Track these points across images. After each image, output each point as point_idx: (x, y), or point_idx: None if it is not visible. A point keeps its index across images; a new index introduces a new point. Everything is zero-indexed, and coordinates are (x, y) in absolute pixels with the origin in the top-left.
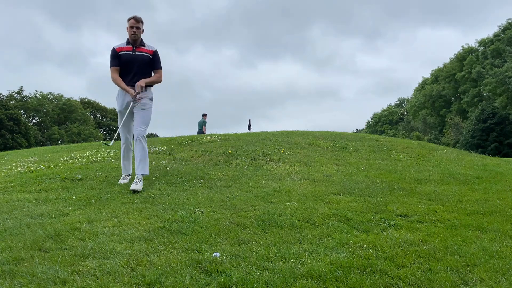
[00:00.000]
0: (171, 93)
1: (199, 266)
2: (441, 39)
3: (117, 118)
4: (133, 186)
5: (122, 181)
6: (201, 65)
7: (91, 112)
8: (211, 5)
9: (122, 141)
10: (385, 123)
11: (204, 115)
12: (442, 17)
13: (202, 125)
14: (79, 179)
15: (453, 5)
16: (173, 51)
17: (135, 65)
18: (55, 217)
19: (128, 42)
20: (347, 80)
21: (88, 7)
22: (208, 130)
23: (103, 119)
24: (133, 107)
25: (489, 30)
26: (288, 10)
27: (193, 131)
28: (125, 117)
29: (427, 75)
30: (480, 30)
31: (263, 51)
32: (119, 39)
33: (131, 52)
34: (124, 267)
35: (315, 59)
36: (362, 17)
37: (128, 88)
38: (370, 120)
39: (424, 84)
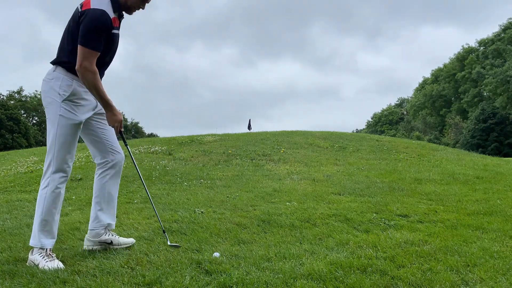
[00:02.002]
0: (170, 93)
1: (199, 266)
2: (443, 38)
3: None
4: (128, 240)
5: (52, 263)
6: (201, 64)
7: None
8: (211, 3)
9: (58, 174)
10: (385, 123)
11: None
12: (444, 15)
13: None
14: (79, 179)
15: (456, 3)
16: (173, 50)
17: (113, 54)
18: None
19: (116, 8)
20: (348, 79)
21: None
22: (207, 130)
23: None
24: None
25: (492, 29)
26: (288, 8)
27: (193, 131)
28: (79, 133)
29: (428, 74)
30: (483, 29)
31: (263, 49)
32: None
33: (118, 31)
34: (124, 267)
35: (315, 58)
36: (363, 15)
37: (117, 111)
38: (370, 120)
39: (424, 84)
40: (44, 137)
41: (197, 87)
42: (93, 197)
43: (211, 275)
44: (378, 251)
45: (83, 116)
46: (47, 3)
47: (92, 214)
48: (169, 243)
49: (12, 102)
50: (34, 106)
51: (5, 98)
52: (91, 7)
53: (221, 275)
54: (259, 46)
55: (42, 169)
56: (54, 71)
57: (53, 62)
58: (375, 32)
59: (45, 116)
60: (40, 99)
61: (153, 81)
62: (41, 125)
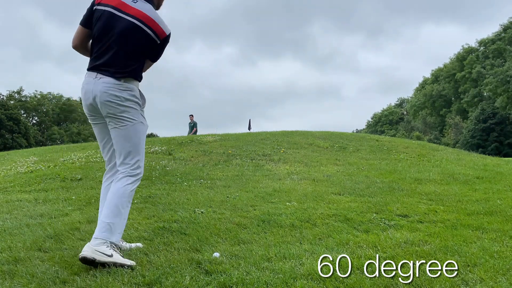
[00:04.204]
0: (170, 92)
1: (199, 266)
2: (445, 36)
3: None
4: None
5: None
6: (201, 64)
7: None
8: (211, 2)
9: (140, 176)
10: (385, 123)
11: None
12: (446, 13)
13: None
14: (79, 179)
15: (458, 0)
16: (172, 49)
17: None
18: (55, 217)
19: None
20: (348, 79)
21: (84, 4)
22: (208, 130)
23: None
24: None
25: (494, 27)
26: (288, 7)
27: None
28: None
29: (428, 74)
30: (486, 27)
31: (263, 48)
32: None
33: (111, 9)
34: (124, 267)
35: (316, 56)
36: (364, 12)
37: None
38: (370, 120)
39: (424, 84)
40: (44, 137)
41: (197, 86)
42: (100, 205)
43: (211, 275)
44: (378, 251)
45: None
46: (44, 1)
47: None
48: None
49: (12, 102)
50: (34, 106)
51: (5, 98)
52: (167, 33)
53: (221, 275)
54: (259, 45)
55: (42, 169)
56: (124, 82)
57: (119, 76)
58: (376, 30)
59: (44, 116)
60: (39, 99)
61: (152, 81)
62: (41, 125)
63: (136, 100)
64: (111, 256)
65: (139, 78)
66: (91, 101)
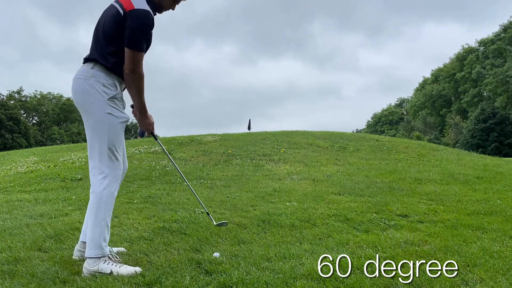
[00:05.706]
0: (170, 92)
1: (199, 266)
2: (446, 36)
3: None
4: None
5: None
6: (200, 63)
7: None
8: (210, 0)
9: (114, 176)
10: (385, 123)
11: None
12: (447, 12)
13: None
14: (79, 179)
15: None
16: (172, 48)
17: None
18: (54, 217)
19: (151, 8)
20: (349, 78)
21: (83, 2)
22: (207, 130)
23: None
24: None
25: (496, 27)
26: (288, 5)
27: (193, 131)
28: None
29: (428, 74)
30: (487, 26)
31: (263, 48)
32: None
33: None
34: None
35: (316, 56)
36: (364, 11)
37: (149, 114)
38: (370, 120)
39: (424, 84)
40: (44, 137)
41: (197, 86)
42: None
43: (211, 275)
44: (378, 251)
45: (127, 114)
46: (43, 0)
47: (85, 226)
48: (215, 224)
49: (12, 102)
50: (34, 106)
51: (5, 98)
52: (135, 7)
53: (221, 275)
54: (259, 44)
55: (42, 169)
56: (92, 68)
57: (89, 60)
58: (377, 29)
59: (44, 116)
60: (39, 99)
61: (152, 80)
62: (41, 125)
63: (102, 87)
64: (110, 273)
65: (110, 68)
66: (72, 95)
